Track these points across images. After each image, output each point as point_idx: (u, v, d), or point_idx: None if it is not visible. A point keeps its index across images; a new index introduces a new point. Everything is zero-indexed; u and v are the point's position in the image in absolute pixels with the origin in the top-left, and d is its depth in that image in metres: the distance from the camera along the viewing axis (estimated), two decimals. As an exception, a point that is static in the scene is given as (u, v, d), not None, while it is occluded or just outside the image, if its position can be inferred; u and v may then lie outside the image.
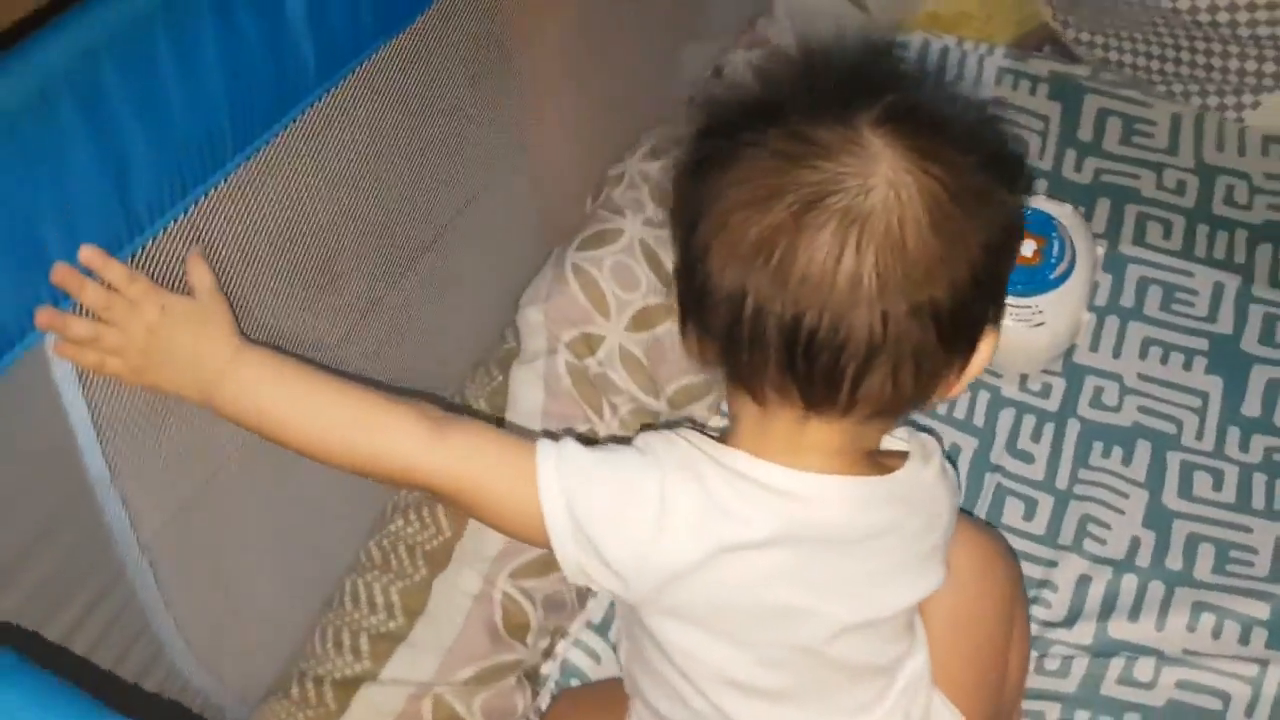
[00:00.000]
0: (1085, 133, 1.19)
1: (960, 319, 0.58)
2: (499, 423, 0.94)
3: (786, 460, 0.62)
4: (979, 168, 0.58)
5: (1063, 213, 1.06)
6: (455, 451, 0.63)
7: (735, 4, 1.28)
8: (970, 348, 0.61)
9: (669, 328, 1.00)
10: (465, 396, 0.98)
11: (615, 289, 0.99)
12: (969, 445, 1.00)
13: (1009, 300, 1.00)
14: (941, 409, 1.01)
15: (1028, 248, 1.02)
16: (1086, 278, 1.03)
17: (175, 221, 0.58)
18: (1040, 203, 1.07)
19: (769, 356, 0.58)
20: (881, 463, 0.66)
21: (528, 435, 0.94)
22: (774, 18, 1.25)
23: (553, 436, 0.90)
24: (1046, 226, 1.04)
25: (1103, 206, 1.14)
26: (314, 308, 0.76)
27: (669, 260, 1.03)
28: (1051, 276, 1.01)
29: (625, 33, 1.12)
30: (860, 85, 0.59)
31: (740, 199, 0.58)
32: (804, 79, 0.69)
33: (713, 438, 0.66)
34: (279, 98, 0.60)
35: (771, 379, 0.59)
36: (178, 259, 0.60)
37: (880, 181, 0.56)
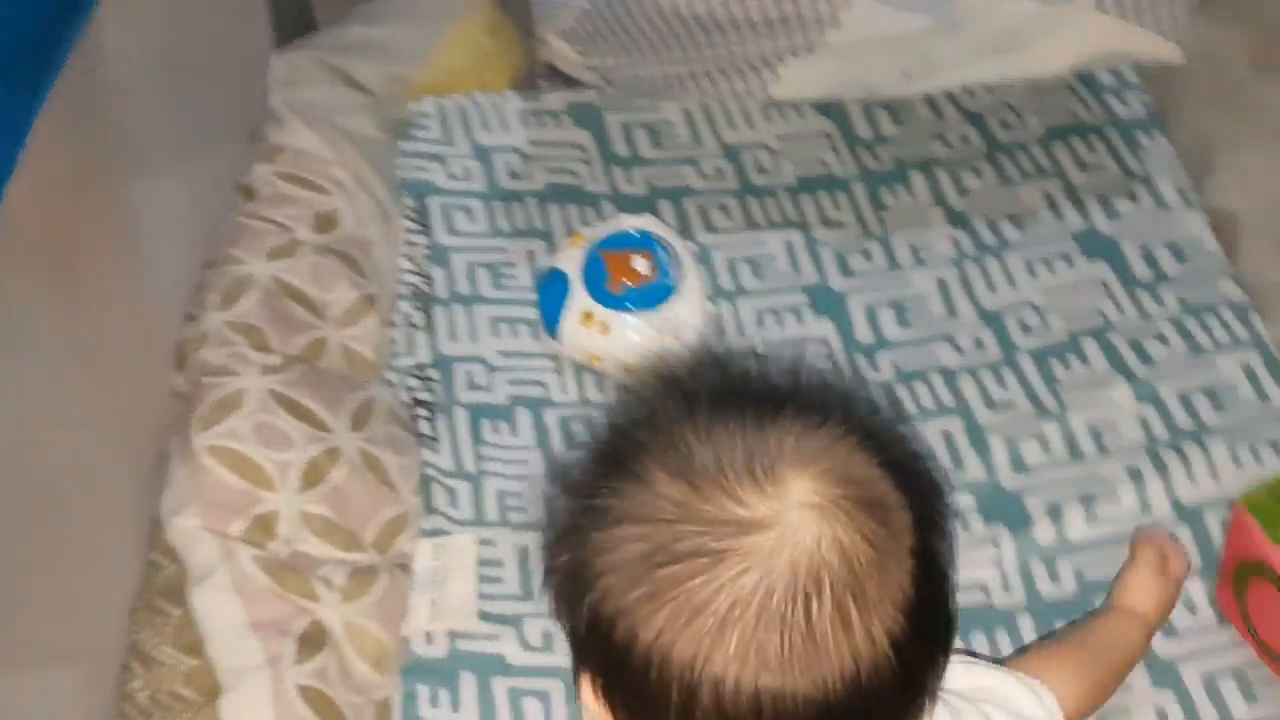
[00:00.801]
0: (620, 149, 1.25)
1: (933, 608, 0.53)
2: (198, 659, 0.79)
3: None
4: (883, 473, 0.53)
5: (649, 224, 1.10)
6: None
7: (232, 116, 1.19)
8: (949, 636, 0.55)
9: (342, 471, 0.90)
10: (142, 648, 0.81)
11: (268, 454, 0.87)
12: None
13: (649, 316, 1.05)
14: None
15: (642, 265, 1.06)
16: (698, 275, 1.09)
17: None
18: (626, 221, 1.10)
19: None
20: None
21: (241, 660, 0.81)
22: (282, 122, 1.18)
23: (272, 651, 0.76)
24: (646, 241, 1.08)
25: (666, 209, 1.21)
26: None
27: (311, 401, 0.93)
28: (672, 283, 1.06)
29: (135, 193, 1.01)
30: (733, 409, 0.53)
31: (680, 629, 0.49)
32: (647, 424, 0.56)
33: None
34: None
35: None
36: None
37: (812, 534, 0.50)
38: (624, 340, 1.04)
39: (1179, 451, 1.00)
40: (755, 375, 0.58)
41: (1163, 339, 1.08)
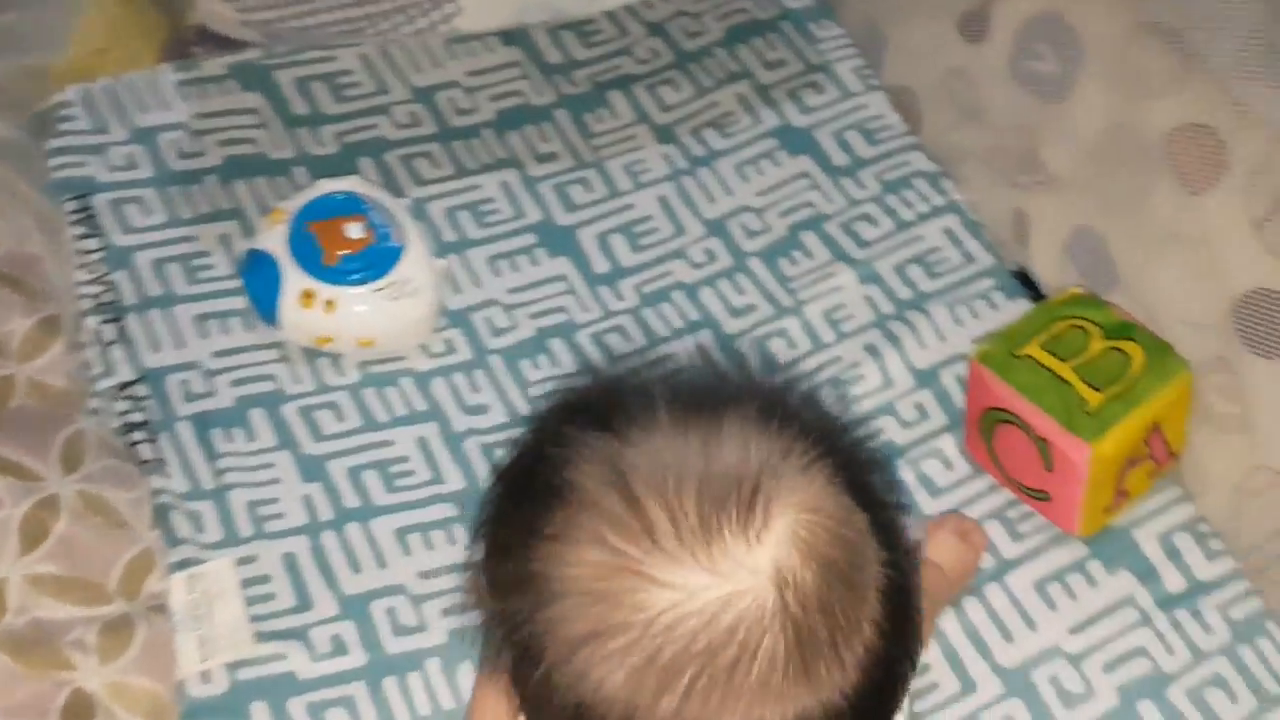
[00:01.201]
0: (300, 107, 1.15)
1: (903, 614, 0.49)
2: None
3: None
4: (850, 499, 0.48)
5: (354, 185, 1.02)
6: None
7: None
8: (917, 632, 0.52)
9: (64, 520, 0.79)
10: None
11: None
12: (432, 430, 0.97)
13: (376, 284, 0.98)
14: (381, 414, 0.97)
15: (356, 230, 0.98)
16: (418, 231, 1.02)
17: None
18: (327, 186, 1.02)
19: None
20: None
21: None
22: None
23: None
24: (354, 204, 1.00)
25: (367, 166, 1.12)
26: None
27: (10, 450, 0.80)
28: (394, 244, 0.98)
29: None
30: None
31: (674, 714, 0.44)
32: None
33: None
34: None
35: None
36: None
37: (797, 592, 0.45)
38: (354, 315, 0.96)
39: (906, 322, 1.06)
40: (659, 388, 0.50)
41: (871, 220, 1.13)
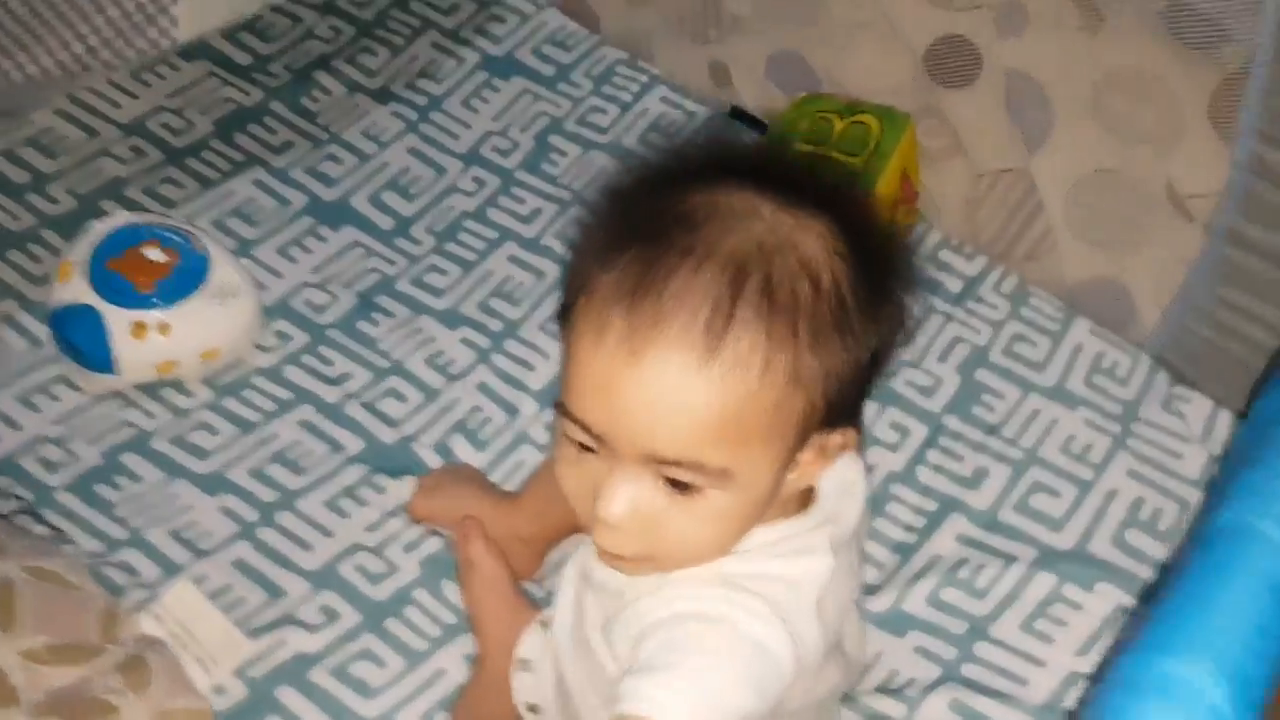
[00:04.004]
0: (18, 177, 1.10)
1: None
2: None
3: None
4: None
5: (126, 218, 1.00)
6: None
7: None
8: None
9: (28, 594, 0.75)
10: None
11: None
12: (308, 411, 0.98)
13: (200, 292, 0.97)
14: (252, 415, 0.98)
15: (156, 254, 0.96)
16: (210, 238, 1.02)
17: None
18: (101, 227, 0.98)
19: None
20: None
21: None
22: None
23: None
24: (141, 232, 0.98)
25: (111, 208, 1.09)
26: None
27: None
28: (199, 253, 0.98)
29: None
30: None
31: None
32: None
33: None
34: None
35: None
36: None
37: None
38: (192, 329, 0.95)
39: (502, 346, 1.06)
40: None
41: (600, 109, 1.22)
